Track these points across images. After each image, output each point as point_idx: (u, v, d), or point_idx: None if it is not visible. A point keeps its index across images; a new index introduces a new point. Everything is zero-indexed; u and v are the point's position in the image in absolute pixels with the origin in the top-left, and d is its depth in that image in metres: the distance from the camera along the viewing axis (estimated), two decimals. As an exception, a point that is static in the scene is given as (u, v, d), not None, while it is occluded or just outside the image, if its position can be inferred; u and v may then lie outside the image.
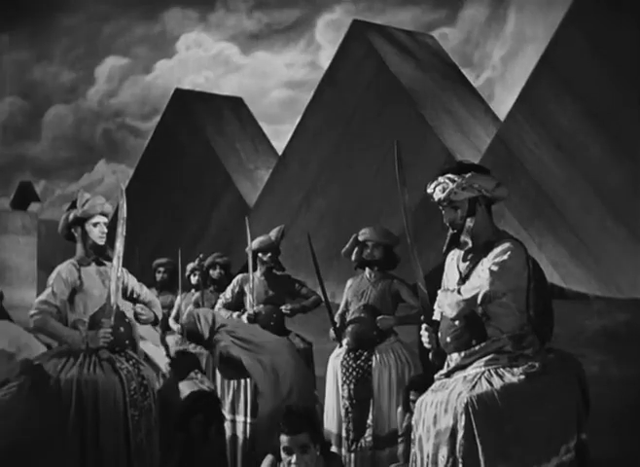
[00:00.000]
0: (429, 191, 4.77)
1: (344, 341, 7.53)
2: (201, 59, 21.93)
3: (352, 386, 7.29)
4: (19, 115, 22.21)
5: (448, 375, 4.53)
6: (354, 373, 7.29)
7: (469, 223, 4.58)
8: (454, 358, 4.54)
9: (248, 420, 7.99)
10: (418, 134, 10.17)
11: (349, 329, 7.46)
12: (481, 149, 9.66)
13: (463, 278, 4.57)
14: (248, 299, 8.45)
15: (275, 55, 21.57)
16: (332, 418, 7.43)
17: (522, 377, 4.33)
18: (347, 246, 7.67)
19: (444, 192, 4.67)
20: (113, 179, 21.72)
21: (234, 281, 8.74)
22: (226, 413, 7.87)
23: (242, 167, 13.73)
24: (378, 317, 7.42)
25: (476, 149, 9.83)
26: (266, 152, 14.00)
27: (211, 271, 9.98)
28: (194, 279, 10.22)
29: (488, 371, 4.36)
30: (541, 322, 4.58)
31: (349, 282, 7.73)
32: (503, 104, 10.53)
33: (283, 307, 8.35)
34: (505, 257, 4.46)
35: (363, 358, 7.32)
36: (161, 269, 10.77)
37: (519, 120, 8.86)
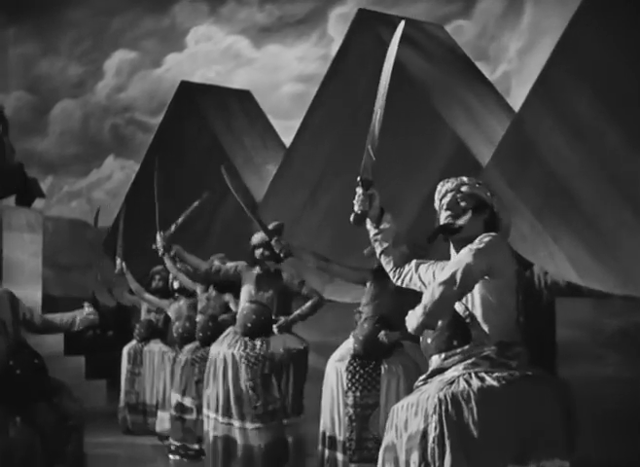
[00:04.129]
0: (438, 186, 4.53)
1: (351, 343, 7.25)
2: (211, 53, 21.79)
3: (358, 394, 7.00)
4: (26, 110, 22.13)
5: (426, 381, 4.28)
6: (361, 379, 6.99)
7: (462, 220, 4.32)
8: (434, 360, 4.27)
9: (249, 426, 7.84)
10: (428, 126, 9.95)
11: (359, 334, 7.13)
12: (495, 141, 9.43)
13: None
14: (243, 292, 8.26)
15: (287, 49, 21.42)
16: (330, 424, 7.18)
17: (504, 382, 4.05)
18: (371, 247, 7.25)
19: (455, 181, 4.47)
20: (122, 175, 21.59)
21: (239, 263, 8.53)
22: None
23: (250, 162, 13.60)
24: (382, 332, 7.07)
25: (489, 141, 9.61)
26: (275, 146, 13.83)
27: None
28: (176, 284, 10.11)
29: (468, 374, 4.09)
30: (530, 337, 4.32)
31: (369, 279, 7.37)
32: (520, 98, 10.28)
33: (274, 326, 8.09)
34: (486, 239, 4.13)
35: (371, 365, 7.04)
36: (157, 276, 10.80)
37: (535, 109, 8.63)
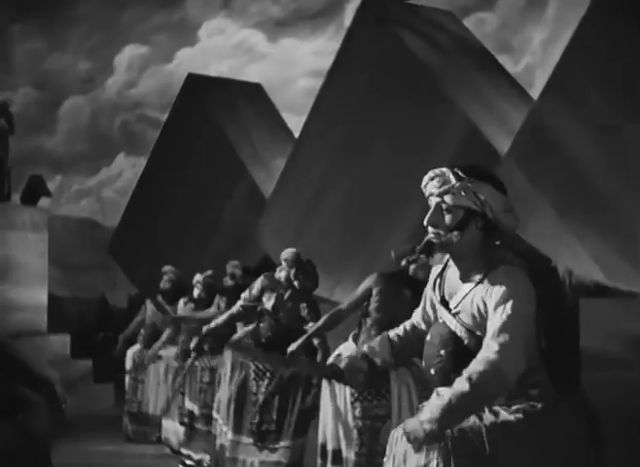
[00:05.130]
0: (424, 180, 3.89)
1: (352, 349, 6.92)
2: (224, 47, 21.66)
3: (367, 404, 6.64)
4: (34, 106, 22.03)
5: None
6: (369, 389, 6.64)
7: (453, 237, 3.77)
8: (439, 391, 3.80)
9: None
10: (441, 114, 9.70)
11: (366, 341, 6.79)
12: (511, 128, 9.18)
13: (445, 302, 3.88)
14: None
15: (301, 43, 21.27)
16: (334, 436, 6.86)
17: (520, 415, 3.60)
18: (402, 249, 6.84)
19: (441, 186, 3.80)
20: (132, 173, 21.41)
21: (261, 281, 8.20)
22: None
23: (257, 156, 13.44)
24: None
25: (505, 128, 9.36)
26: (285, 141, 13.62)
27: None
28: (196, 292, 9.90)
29: None
30: (556, 357, 3.85)
31: (379, 283, 6.88)
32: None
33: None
34: (509, 305, 3.60)
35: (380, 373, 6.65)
36: (165, 277, 10.59)
37: (554, 98, 8.37)
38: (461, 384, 3.46)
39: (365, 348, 4.24)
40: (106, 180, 22.48)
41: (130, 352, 10.80)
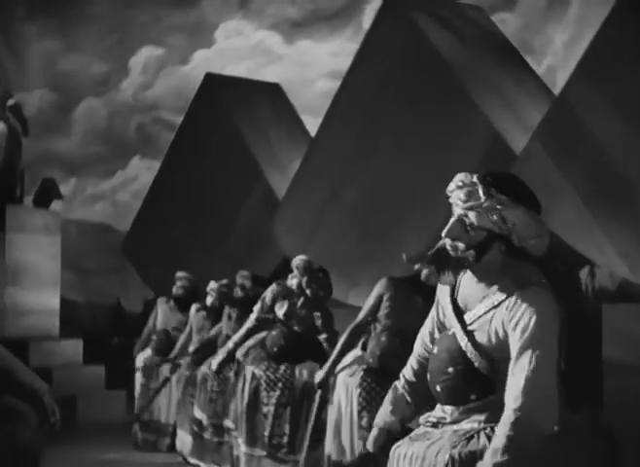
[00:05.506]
0: (450, 186, 3.60)
1: (360, 356, 6.69)
2: (241, 49, 21.56)
3: (374, 415, 6.38)
4: (49, 108, 21.99)
5: (436, 425, 3.62)
6: (377, 398, 6.35)
7: (470, 256, 3.53)
8: (447, 409, 3.60)
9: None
10: (461, 113, 9.52)
11: (377, 348, 6.52)
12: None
13: (458, 311, 3.61)
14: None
15: (319, 44, 21.17)
16: (337, 447, 6.65)
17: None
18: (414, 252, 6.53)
19: (467, 199, 3.52)
20: (148, 177, 21.34)
21: (272, 289, 8.02)
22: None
23: (274, 158, 13.30)
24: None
25: (528, 130, 9.16)
26: (303, 142, 13.46)
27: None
28: (209, 300, 9.76)
29: (490, 428, 3.42)
30: (575, 374, 3.74)
31: (389, 288, 6.63)
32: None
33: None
34: (535, 334, 3.36)
35: (388, 381, 6.36)
36: (179, 282, 10.44)
37: (583, 83, 8.19)
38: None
39: (381, 424, 3.94)
40: (121, 183, 22.42)
41: (142, 358, 10.66)
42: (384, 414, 3.91)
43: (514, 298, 3.44)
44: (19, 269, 12.99)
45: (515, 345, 3.38)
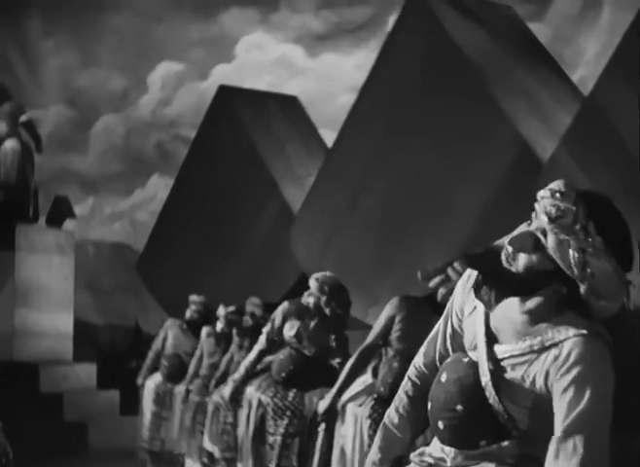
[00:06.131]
0: (543, 191, 2.92)
1: (369, 383, 6.26)
2: (263, 63, 21.38)
3: None
4: (66, 125, 21.87)
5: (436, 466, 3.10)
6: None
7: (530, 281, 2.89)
8: (448, 451, 3.07)
9: None
10: (487, 118, 9.21)
11: (388, 376, 6.09)
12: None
13: (489, 334, 3.00)
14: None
15: (344, 57, 20.95)
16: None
17: None
18: (432, 269, 6.10)
19: (555, 219, 2.85)
20: (167, 195, 21.17)
21: (282, 310, 7.60)
22: None
23: (290, 172, 13.10)
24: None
25: (557, 135, 8.85)
26: (321, 156, 13.24)
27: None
28: (219, 326, 9.47)
29: None
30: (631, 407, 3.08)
31: (402, 309, 6.16)
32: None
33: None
34: (587, 395, 2.77)
35: None
36: (193, 306, 10.18)
37: (611, 86, 7.92)
38: None
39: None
40: (140, 202, 22.24)
41: (152, 384, 10.31)
42: (374, 452, 3.37)
43: (567, 348, 2.84)
44: (30, 289, 12.78)
45: (560, 416, 2.83)
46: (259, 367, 7.59)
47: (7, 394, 11.04)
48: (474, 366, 2.96)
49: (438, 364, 3.18)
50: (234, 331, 8.95)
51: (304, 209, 11.74)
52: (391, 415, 3.30)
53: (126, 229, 22.20)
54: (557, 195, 2.87)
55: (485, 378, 2.92)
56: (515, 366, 2.89)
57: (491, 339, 2.97)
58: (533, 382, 2.86)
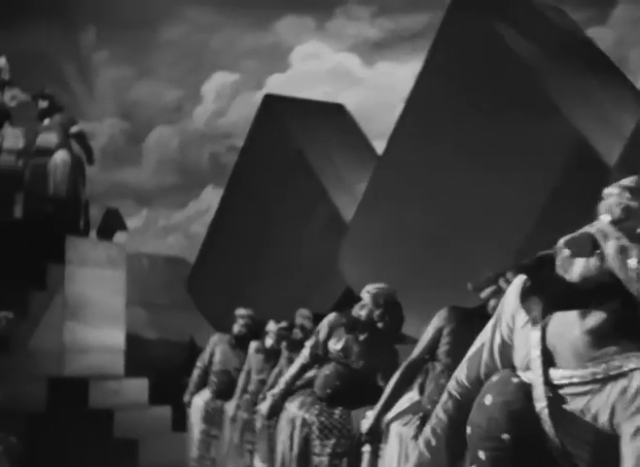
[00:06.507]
0: (612, 188, 2.68)
1: (415, 401, 5.93)
2: (318, 73, 21.23)
3: None
4: (119, 137, 21.88)
5: None
6: None
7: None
8: None
9: None
10: (545, 125, 8.94)
11: (435, 393, 5.75)
12: (625, 136, 8.39)
13: (546, 354, 2.62)
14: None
15: (401, 66, 20.71)
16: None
17: None
18: (483, 279, 5.78)
19: (619, 221, 2.57)
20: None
21: (327, 322, 7.28)
22: None
23: (340, 181, 13.00)
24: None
25: (621, 138, 8.52)
26: (371, 164, 13.10)
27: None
28: (269, 342, 9.26)
29: None
30: None
31: (450, 321, 5.80)
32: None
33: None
34: None
35: None
36: (241, 320, 9.96)
37: None
38: None
39: None
40: (194, 214, 22.19)
41: (200, 402, 10.12)
42: None
43: (638, 381, 2.50)
44: (80, 304, 12.65)
45: (629, 465, 2.46)
46: (298, 383, 7.29)
47: (56, 410, 10.95)
48: (525, 389, 2.62)
49: (483, 379, 2.84)
50: (283, 344, 8.74)
51: (354, 224, 11.60)
52: (427, 436, 2.99)
53: (181, 242, 22.15)
54: (627, 193, 2.57)
55: (541, 404, 2.57)
56: (575, 396, 2.55)
57: (548, 358, 2.61)
58: (595, 418, 2.51)
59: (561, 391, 2.56)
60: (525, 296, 2.68)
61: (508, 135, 9.17)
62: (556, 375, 2.60)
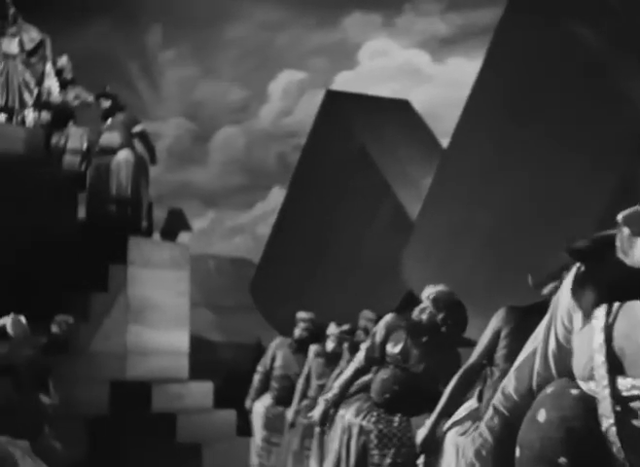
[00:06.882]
0: None
1: (480, 410, 5.59)
2: (386, 69, 21.00)
3: None
4: (186, 138, 21.84)
5: None
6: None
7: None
8: None
9: None
10: (618, 119, 8.58)
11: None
12: None
13: (614, 362, 2.26)
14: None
15: (472, 62, 20.26)
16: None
17: None
18: (545, 274, 5.41)
19: None
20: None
21: (385, 324, 6.97)
22: None
23: (405, 176, 12.81)
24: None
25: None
26: (437, 159, 12.90)
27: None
28: (330, 345, 9.03)
29: None
30: None
31: (509, 321, 5.45)
32: None
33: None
34: None
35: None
36: (302, 324, 9.75)
37: None
38: None
39: None
40: (261, 215, 22.09)
41: (261, 408, 9.91)
42: None
43: None
44: (143, 306, 12.53)
45: None
46: (353, 388, 7.00)
47: (119, 414, 10.85)
48: (586, 402, 2.28)
49: (535, 390, 2.49)
50: (345, 345, 8.49)
51: (419, 221, 11.31)
52: (470, 460, 2.68)
53: (247, 243, 22.08)
54: None
55: (607, 422, 2.23)
56: None
57: (615, 365, 2.26)
58: None
59: (632, 404, 2.21)
60: (578, 284, 2.34)
61: (573, 131, 8.87)
62: (625, 384, 2.25)
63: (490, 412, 2.63)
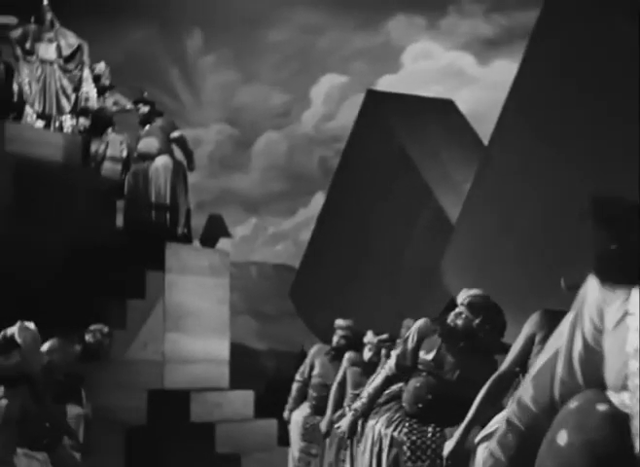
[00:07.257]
0: None
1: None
2: (430, 72, 20.83)
3: None
4: (227, 144, 21.81)
5: None
6: None
7: None
8: None
9: None
10: None
11: None
12: None
13: None
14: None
15: (517, 63, 20.05)
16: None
17: None
18: (579, 275, 5.20)
19: None
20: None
21: (417, 328, 6.74)
22: None
23: (447, 179, 12.64)
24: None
25: None
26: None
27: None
28: (367, 354, 8.85)
29: None
30: None
31: (543, 326, 5.23)
32: None
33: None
34: None
35: None
36: (340, 331, 9.57)
37: None
38: None
39: None
40: (304, 222, 21.97)
41: (299, 417, 9.75)
42: None
43: None
44: (182, 313, 12.45)
45: None
46: (383, 398, 6.76)
47: (157, 423, 10.76)
48: (617, 420, 1.98)
49: (558, 401, 2.19)
50: (383, 352, 8.31)
51: (458, 229, 11.19)
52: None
53: (290, 250, 21.97)
54: None
55: None
56: None
57: None
58: None
59: None
60: (606, 263, 2.07)
61: (619, 130, 8.64)
62: None
63: (504, 427, 2.33)
